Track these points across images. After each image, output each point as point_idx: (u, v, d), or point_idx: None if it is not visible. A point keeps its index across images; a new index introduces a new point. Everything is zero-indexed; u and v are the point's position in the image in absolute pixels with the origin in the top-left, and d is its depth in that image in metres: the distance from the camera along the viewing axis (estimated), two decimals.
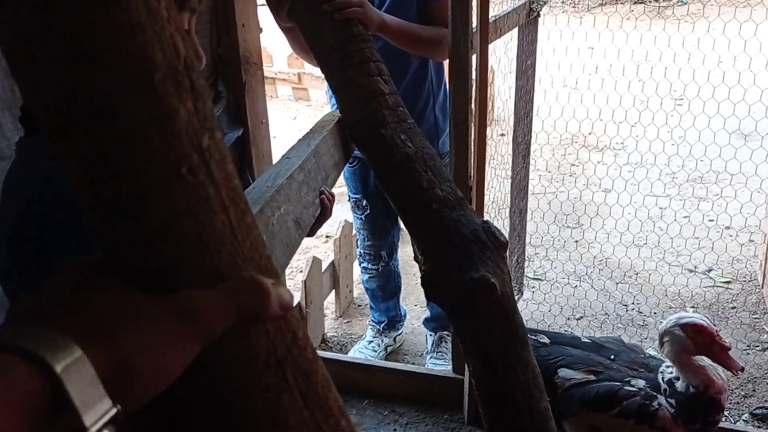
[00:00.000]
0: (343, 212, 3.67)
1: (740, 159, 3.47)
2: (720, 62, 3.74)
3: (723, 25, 2.95)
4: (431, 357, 2.70)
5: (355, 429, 0.54)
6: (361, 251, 2.69)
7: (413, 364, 2.70)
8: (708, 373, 1.76)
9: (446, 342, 2.69)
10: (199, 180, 0.42)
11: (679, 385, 1.79)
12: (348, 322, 3.08)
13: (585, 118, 3.56)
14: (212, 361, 0.45)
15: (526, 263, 3.23)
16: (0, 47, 0.39)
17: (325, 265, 2.89)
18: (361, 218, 2.58)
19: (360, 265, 2.74)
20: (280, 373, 0.47)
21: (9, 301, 0.87)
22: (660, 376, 1.85)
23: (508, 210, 2.99)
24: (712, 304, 3.09)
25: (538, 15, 2.59)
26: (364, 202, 2.53)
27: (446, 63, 2.12)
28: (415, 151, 1.44)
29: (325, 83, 1.62)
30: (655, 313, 3.04)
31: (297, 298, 2.65)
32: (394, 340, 2.84)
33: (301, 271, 2.77)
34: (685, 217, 3.83)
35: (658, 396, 1.81)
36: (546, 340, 2.02)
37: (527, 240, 3.15)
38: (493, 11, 2.24)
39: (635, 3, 9.03)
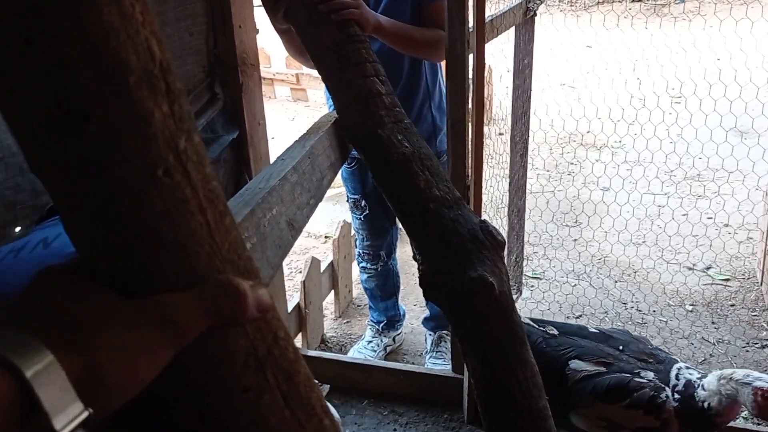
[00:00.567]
0: (341, 213, 3.67)
1: (737, 156, 3.48)
2: (717, 60, 3.75)
3: (719, 23, 2.95)
4: (430, 356, 2.70)
5: (338, 428, 0.55)
6: (360, 251, 2.69)
7: (413, 363, 2.70)
8: (734, 411, 1.75)
9: (445, 341, 2.69)
10: (176, 182, 0.42)
11: (700, 394, 1.77)
12: (347, 322, 3.09)
13: (582, 117, 3.58)
14: (189, 362, 0.45)
15: (525, 262, 3.23)
16: None
17: (324, 266, 2.89)
18: (360, 218, 2.58)
19: (359, 265, 2.74)
20: (261, 373, 0.48)
21: None
22: (675, 372, 1.85)
23: (506, 209, 2.99)
24: (711, 301, 3.10)
25: (535, 14, 2.60)
26: (363, 203, 2.53)
27: (442, 62, 2.13)
28: (412, 151, 1.44)
29: (323, 84, 1.62)
30: (653, 310, 3.04)
31: (296, 299, 2.65)
32: (394, 339, 2.84)
33: (300, 272, 2.77)
34: (684, 214, 3.83)
35: (666, 388, 1.82)
36: (554, 331, 2.01)
37: (526, 239, 3.15)
38: (490, 11, 2.25)
39: (632, 1, 9.03)
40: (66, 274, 0.44)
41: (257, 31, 1.80)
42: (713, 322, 2.94)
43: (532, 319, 2.10)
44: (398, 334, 2.87)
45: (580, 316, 3.02)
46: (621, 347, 1.96)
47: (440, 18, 1.82)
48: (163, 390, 0.45)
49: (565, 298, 3.14)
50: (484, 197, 3.44)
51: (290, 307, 2.60)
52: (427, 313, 2.77)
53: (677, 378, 1.84)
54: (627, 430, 1.93)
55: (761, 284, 3.17)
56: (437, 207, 1.44)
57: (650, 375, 1.85)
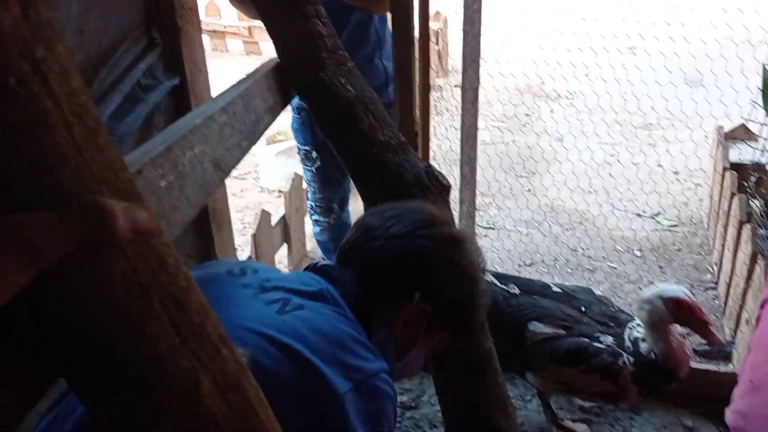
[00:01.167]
0: (293, 165, 3.63)
1: (687, 107, 3.53)
2: (669, 10, 3.77)
3: None
4: None
5: (239, 359, 0.53)
6: (312, 204, 2.67)
7: None
8: (673, 344, 1.77)
9: None
10: (34, 93, 0.40)
11: (643, 347, 1.81)
12: None
13: (537, 67, 3.57)
14: (67, 280, 0.44)
15: (478, 213, 3.25)
16: None
17: (275, 219, 2.86)
18: (311, 170, 2.55)
19: (311, 218, 2.73)
20: (146, 298, 0.47)
21: None
22: (627, 333, 1.86)
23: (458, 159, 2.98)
24: (658, 246, 3.17)
25: None
26: (314, 154, 2.49)
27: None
28: (356, 95, 1.42)
29: None
30: (603, 256, 3.11)
31: (247, 252, 2.63)
32: None
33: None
34: (634, 163, 3.89)
35: (624, 353, 1.83)
36: (516, 290, 1.99)
37: (479, 189, 3.17)
38: None
39: None
40: None
41: None
42: (660, 267, 3.01)
43: (495, 275, 2.07)
44: None
45: (531, 264, 3.07)
46: (583, 308, 1.95)
47: None
48: (45, 307, 0.44)
49: (515, 246, 3.18)
50: (438, 149, 3.43)
51: None
52: None
53: (629, 338, 1.85)
54: (585, 394, 1.96)
55: (707, 229, 3.26)
56: (381, 151, 1.42)
57: (609, 339, 1.86)
